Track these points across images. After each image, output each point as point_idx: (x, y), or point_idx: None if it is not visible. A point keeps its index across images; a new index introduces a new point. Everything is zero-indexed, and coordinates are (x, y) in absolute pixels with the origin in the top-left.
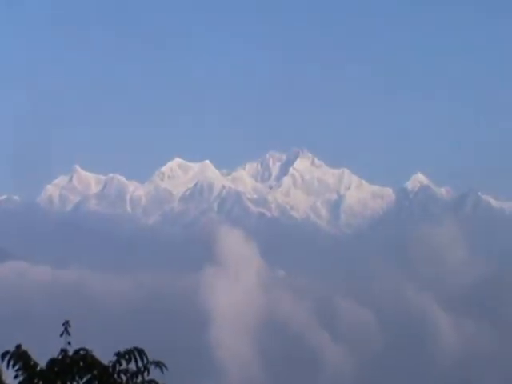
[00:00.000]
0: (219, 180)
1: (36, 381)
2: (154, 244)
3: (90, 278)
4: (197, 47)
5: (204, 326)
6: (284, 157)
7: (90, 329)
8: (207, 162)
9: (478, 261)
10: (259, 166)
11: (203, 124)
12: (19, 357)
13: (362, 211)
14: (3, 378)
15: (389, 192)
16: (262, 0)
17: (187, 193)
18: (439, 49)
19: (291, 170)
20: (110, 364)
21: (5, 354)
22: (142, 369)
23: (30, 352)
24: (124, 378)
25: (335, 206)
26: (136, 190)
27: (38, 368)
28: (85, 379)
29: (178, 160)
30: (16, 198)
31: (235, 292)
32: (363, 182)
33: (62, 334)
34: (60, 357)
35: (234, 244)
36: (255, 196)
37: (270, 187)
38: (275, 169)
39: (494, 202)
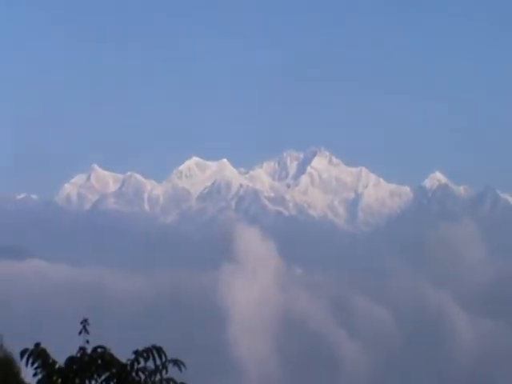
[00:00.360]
0: (237, 179)
1: (55, 379)
2: (172, 242)
3: (107, 276)
4: (213, 45)
5: (222, 324)
6: (301, 155)
7: (108, 327)
8: (225, 160)
9: (496, 259)
10: (277, 164)
11: (221, 123)
12: (38, 355)
13: (379, 210)
14: (22, 375)
15: (407, 190)
16: None
17: (205, 191)
18: (456, 46)
19: (309, 168)
20: (129, 362)
21: (24, 351)
22: (161, 367)
23: (48, 350)
24: (142, 376)
25: (353, 205)
26: (154, 188)
27: (57, 366)
28: (103, 377)
29: (195, 159)
30: (34, 196)
31: (253, 290)
32: (381, 180)
33: (80, 332)
34: (78, 355)
35: (252, 242)
36: (273, 194)
37: (288, 186)
38: (293, 167)
39: None
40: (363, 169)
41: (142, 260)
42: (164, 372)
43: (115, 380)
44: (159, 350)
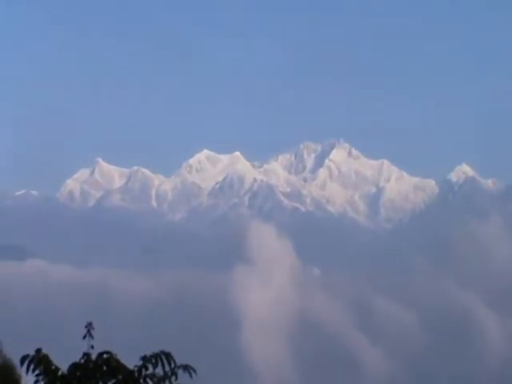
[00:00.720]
0: (250, 173)
1: None
2: (181, 241)
3: (112, 277)
4: (225, 34)
5: (234, 327)
6: (319, 147)
7: (114, 331)
8: (237, 153)
9: None
10: (293, 157)
11: (233, 113)
12: (39, 361)
13: (402, 205)
14: (23, 383)
15: (431, 184)
16: None
17: (216, 187)
18: (483, 39)
19: (327, 161)
20: (136, 368)
21: (24, 357)
22: (170, 373)
23: (50, 356)
24: (150, 383)
25: (374, 200)
26: (162, 183)
27: (60, 373)
28: None
29: (206, 152)
30: (34, 192)
31: (267, 291)
32: (404, 173)
33: (84, 337)
34: (82, 361)
35: (266, 241)
36: (288, 189)
37: (305, 180)
38: (310, 160)
39: None
40: (385, 161)
41: (150, 260)
42: (173, 378)
43: None
44: (168, 356)
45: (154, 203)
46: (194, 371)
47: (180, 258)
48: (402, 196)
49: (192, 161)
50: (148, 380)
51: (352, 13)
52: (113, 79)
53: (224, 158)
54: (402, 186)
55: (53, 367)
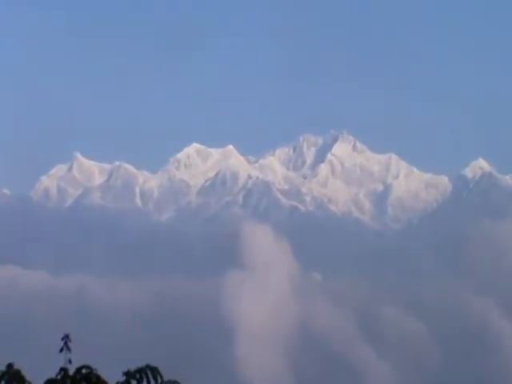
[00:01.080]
0: (244, 168)
1: None
2: (168, 244)
3: (92, 284)
4: (219, 23)
5: (227, 338)
6: (320, 140)
7: (94, 343)
8: (230, 147)
9: None
10: (291, 151)
11: (225, 103)
12: (12, 377)
13: (412, 204)
14: None
15: (444, 181)
16: None
17: (207, 184)
18: (500, 29)
19: (329, 155)
20: None
21: None
22: None
23: (23, 371)
24: None
25: (381, 198)
26: (147, 181)
27: None
28: None
29: (195, 145)
30: (6, 191)
31: (263, 299)
32: (414, 169)
33: (61, 350)
34: (59, 376)
35: (262, 243)
36: (287, 187)
37: (304, 176)
38: (310, 155)
39: None
40: (393, 156)
41: (133, 265)
42: None
43: None
44: (154, 370)
45: (138, 202)
46: None
47: (167, 262)
48: (411, 194)
49: (180, 155)
50: None
51: None
52: (92, 67)
53: (215, 153)
54: (411, 183)
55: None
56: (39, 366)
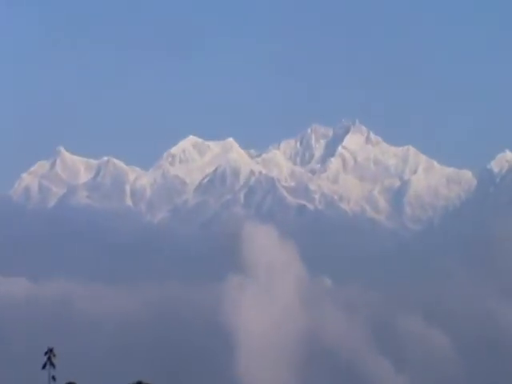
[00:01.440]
0: (246, 163)
1: None
2: (162, 247)
3: (79, 291)
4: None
5: (228, 351)
6: (330, 132)
7: (80, 357)
8: (230, 139)
9: None
10: (298, 143)
11: (225, 91)
12: None
13: (432, 201)
14: None
15: (468, 176)
16: None
17: (205, 181)
18: None
19: (340, 148)
20: None
21: None
22: None
23: None
24: None
25: (398, 196)
26: (138, 178)
27: None
28: None
29: (192, 138)
30: None
31: (267, 307)
32: (434, 163)
33: (44, 366)
34: None
35: (266, 246)
36: (293, 184)
37: (313, 172)
38: (319, 147)
39: None
40: (411, 148)
41: (124, 271)
42: None
43: None
44: None
45: (128, 202)
46: None
47: (161, 268)
48: (431, 190)
49: (175, 149)
50: None
51: None
52: (78, 55)
53: (214, 146)
54: (431, 179)
55: None
56: (20, 382)
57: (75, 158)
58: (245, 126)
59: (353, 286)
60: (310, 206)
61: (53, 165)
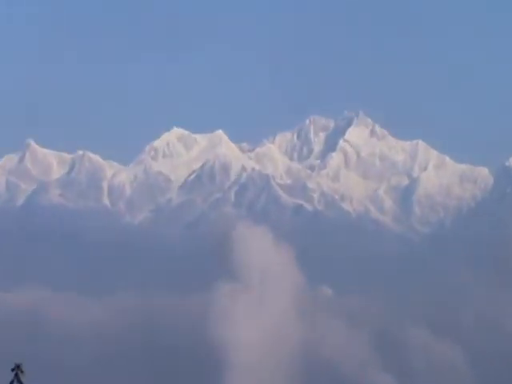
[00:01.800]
0: (237, 158)
1: None
2: (143, 252)
3: (50, 300)
4: None
5: (217, 368)
6: (331, 124)
7: (51, 375)
8: (220, 132)
9: None
10: (295, 137)
11: (214, 77)
12: None
13: (444, 201)
14: None
15: (484, 173)
16: None
17: (191, 178)
18: None
19: (341, 142)
20: None
21: None
22: None
23: None
24: None
25: (406, 195)
26: (117, 173)
27: None
28: None
29: (177, 130)
30: None
31: (261, 318)
32: (446, 158)
33: (11, 383)
34: None
35: (260, 250)
36: (289, 181)
37: (312, 168)
38: (319, 141)
39: None
40: (420, 142)
41: (100, 278)
42: None
43: None
44: None
45: (106, 200)
46: None
47: (142, 274)
48: (443, 189)
49: (158, 143)
50: None
51: None
52: (51, 34)
53: (201, 139)
54: (443, 176)
55: None
56: None
57: (46, 151)
58: (235, 117)
59: (355, 294)
60: (308, 206)
61: (21, 159)
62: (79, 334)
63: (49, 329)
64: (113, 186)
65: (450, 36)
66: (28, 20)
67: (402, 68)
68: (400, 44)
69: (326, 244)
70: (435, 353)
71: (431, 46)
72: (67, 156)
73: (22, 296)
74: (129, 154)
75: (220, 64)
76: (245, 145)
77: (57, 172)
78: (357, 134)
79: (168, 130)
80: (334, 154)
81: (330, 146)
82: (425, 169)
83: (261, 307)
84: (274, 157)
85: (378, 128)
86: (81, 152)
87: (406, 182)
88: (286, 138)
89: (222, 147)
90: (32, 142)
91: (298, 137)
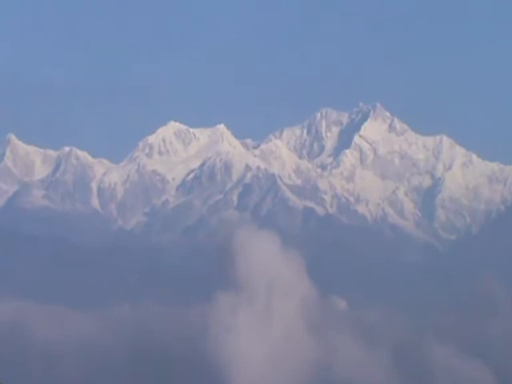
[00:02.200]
0: (241, 156)
1: None
2: (136, 259)
3: (33, 313)
4: None
5: None
6: (345, 117)
7: None
8: (221, 126)
9: None
10: (304, 132)
11: (215, 67)
12: None
13: (471, 204)
14: None
15: None
16: None
17: (189, 177)
18: None
19: (357, 138)
20: None
21: None
22: None
23: None
24: None
25: (428, 197)
26: (107, 173)
27: None
28: None
29: (174, 124)
30: None
31: (266, 334)
32: (473, 156)
33: None
34: None
35: (265, 258)
36: (298, 181)
37: (323, 167)
38: (331, 137)
39: None
40: (445, 138)
41: (89, 288)
42: None
43: None
44: None
45: (95, 203)
46: None
47: (135, 284)
48: (470, 191)
49: (152, 138)
50: None
51: None
52: (37, 25)
53: (201, 134)
54: (470, 176)
55: None
56: None
57: (29, 148)
58: (238, 110)
59: (371, 307)
60: (320, 210)
61: (1, 156)
62: (65, 349)
63: (30, 343)
64: (103, 186)
65: (478, 23)
66: (13, 13)
67: (424, 54)
68: (423, 28)
69: (339, 251)
70: (460, 372)
71: (459, 32)
72: (52, 153)
73: (3, 307)
74: (120, 150)
75: (222, 53)
76: (249, 141)
77: (41, 171)
78: (373, 129)
79: (164, 124)
80: (347, 152)
81: (344, 142)
82: (449, 168)
83: (266, 321)
84: (281, 154)
85: (397, 122)
86: (67, 149)
87: (428, 182)
88: (294, 133)
89: (224, 143)
90: (13, 138)
91: (308, 132)
